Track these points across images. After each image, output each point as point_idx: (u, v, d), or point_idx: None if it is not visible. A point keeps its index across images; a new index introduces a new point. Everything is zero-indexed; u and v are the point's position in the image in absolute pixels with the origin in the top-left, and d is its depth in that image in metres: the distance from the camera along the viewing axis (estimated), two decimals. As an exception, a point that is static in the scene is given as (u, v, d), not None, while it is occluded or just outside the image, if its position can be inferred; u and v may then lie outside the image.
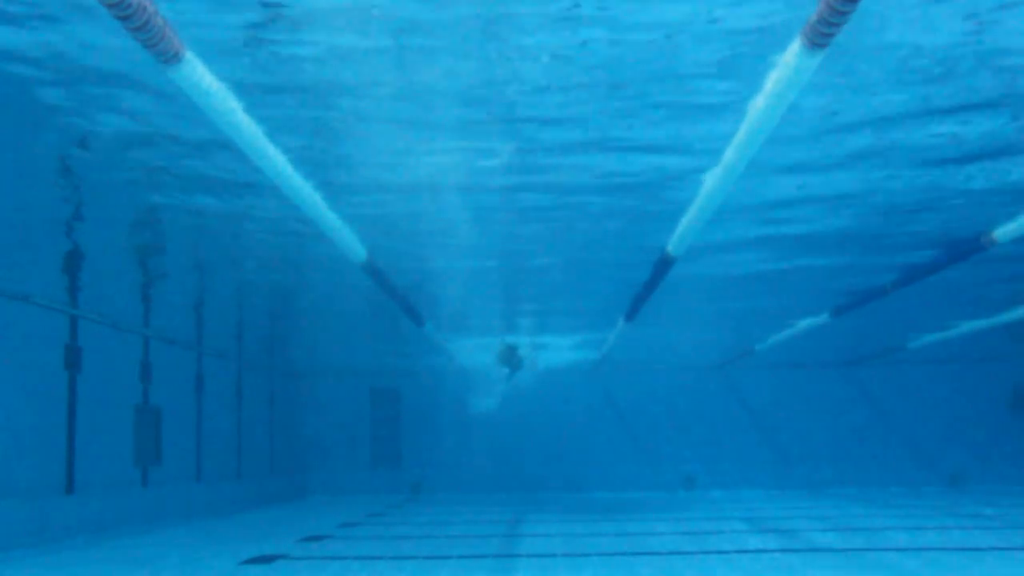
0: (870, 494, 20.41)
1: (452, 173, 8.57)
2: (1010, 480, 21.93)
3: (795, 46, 5.00)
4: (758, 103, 5.76)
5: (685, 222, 9.13)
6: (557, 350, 21.28)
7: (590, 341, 19.97)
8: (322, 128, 7.34)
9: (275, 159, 7.24)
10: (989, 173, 9.31)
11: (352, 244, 10.33)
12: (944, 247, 12.58)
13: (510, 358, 19.81)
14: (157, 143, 7.66)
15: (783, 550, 10.43)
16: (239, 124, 6.35)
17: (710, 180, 7.50)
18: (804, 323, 17.48)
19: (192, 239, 11.75)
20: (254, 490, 20.24)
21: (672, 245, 10.17)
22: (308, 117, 7.12)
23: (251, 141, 6.73)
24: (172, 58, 5.13)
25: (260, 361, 21.75)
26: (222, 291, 15.49)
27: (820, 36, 4.77)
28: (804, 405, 23.88)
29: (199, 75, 5.48)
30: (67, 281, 12.86)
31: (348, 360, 22.69)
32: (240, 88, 6.37)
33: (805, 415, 23.87)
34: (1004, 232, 11.14)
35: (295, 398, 24.00)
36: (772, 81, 5.46)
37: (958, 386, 23.40)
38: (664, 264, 11.18)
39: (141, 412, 15.51)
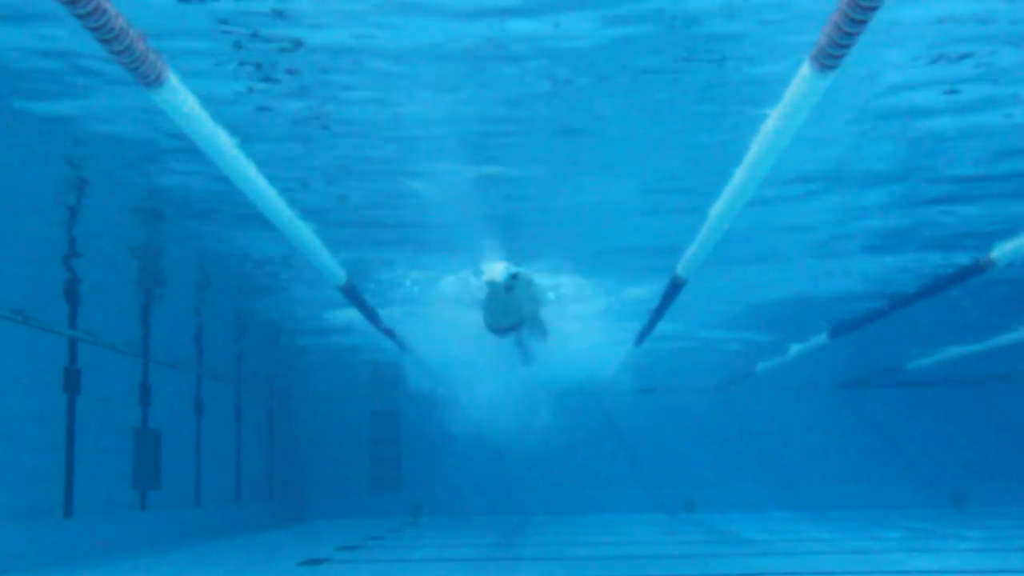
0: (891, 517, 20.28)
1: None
2: (1012, 500, 21.90)
3: (805, 69, 5.05)
4: (768, 125, 5.81)
5: (695, 245, 9.18)
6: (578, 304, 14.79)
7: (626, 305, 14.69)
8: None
9: (257, 182, 7.27)
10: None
11: (332, 267, 10.43)
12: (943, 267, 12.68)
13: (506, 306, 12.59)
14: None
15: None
16: (221, 148, 6.38)
17: (719, 203, 7.55)
18: (804, 345, 17.54)
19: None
20: (253, 513, 20.17)
21: (682, 268, 10.21)
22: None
23: (233, 165, 6.76)
24: (154, 81, 5.17)
25: (259, 384, 21.73)
26: (221, 315, 15.59)
27: (829, 58, 4.82)
28: (805, 427, 23.87)
29: (181, 98, 5.52)
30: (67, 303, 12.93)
31: (347, 383, 22.67)
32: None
33: (806, 437, 23.86)
34: (1001, 254, 11.19)
35: (294, 421, 23.95)
36: (782, 103, 5.51)
37: (958, 407, 23.41)
38: (674, 287, 11.22)
39: (140, 435, 15.47)
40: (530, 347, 14.47)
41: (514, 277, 12.01)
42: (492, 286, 12.09)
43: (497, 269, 12.00)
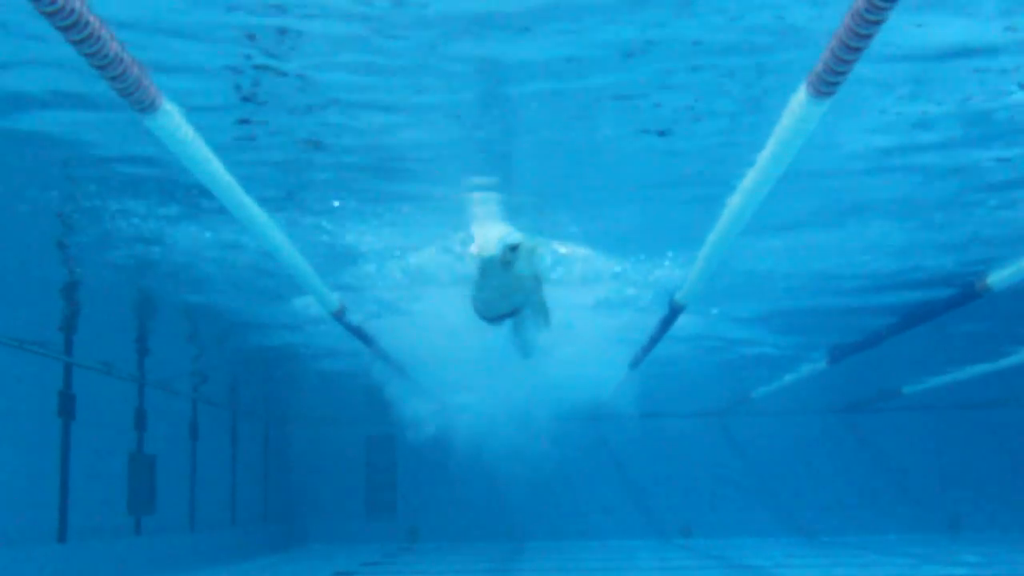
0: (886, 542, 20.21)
1: None
2: (1009, 525, 21.83)
3: (801, 95, 5.06)
4: (765, 151, 5.83)
5: (693, 271, 9.18)
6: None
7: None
8: None
9: (250, 208, 7.25)
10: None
11: (324, 293, 10.44)
12: (939, 293, 12.67)
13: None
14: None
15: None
16: (215, 173, 6.39)
17: (716, 229, 7.55)
18: (801, 369, 17.52)
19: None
20: (248, 538, 20.06)
21: (680, 294, 10.22)
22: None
23: (227, 191, 6.75)
24: (148, 107, 5.16)
25: (255, 408, 21.66)
26: (217, 342, 15.58)
27: (825, 84, 4.82)
28: (801, 451, 23.79)
29: (175, 124, 5.52)
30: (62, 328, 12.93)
31: (343, 408, 22.60)
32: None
33: (802, 461, 23.78)
34: (998, 278, 11.20)
35: (290, 445, 23.87)
36: (779, 129, 5.52)
37: (956, 431, 23.36)
38: (672, 313, 11.21)
39: (135, 460, 15.41)
40: (530, 336, 11.42)
41: (514, 248, 9.22)
42: (486, 259, 9.28)
43: (492, 236, 9.19)
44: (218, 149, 6.28)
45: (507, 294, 9.95)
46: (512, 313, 10.44)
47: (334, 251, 10.23)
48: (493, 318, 10.53)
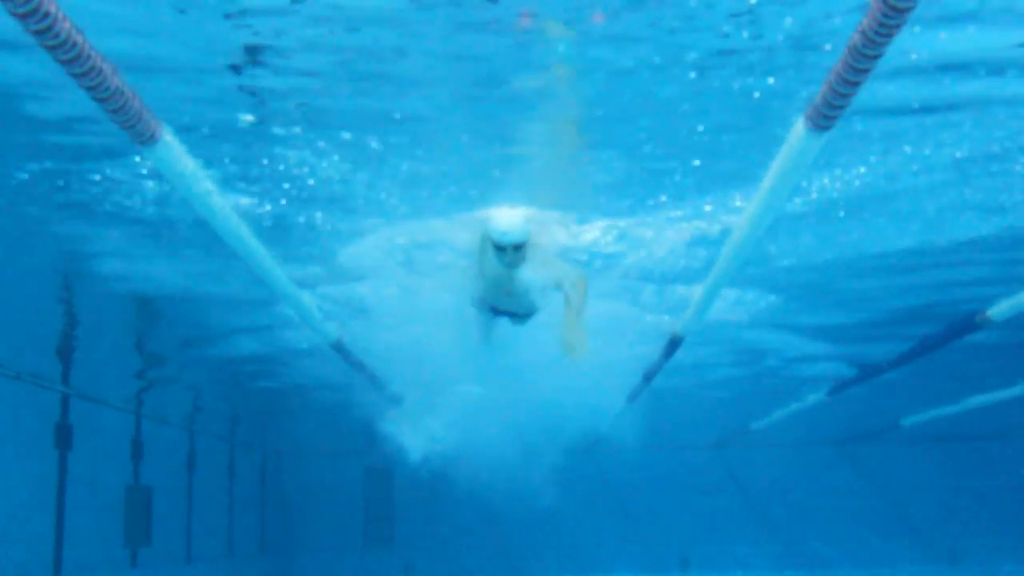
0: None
1: None
2: (1008, 557, 21.74)
3: (799, 128, 5.06)
4: (764, 184, 5.83)
5: (694, 303, 9.18)
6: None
7: None
8: None
9: (249, 242, 7.25)
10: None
11: (323, 326, 10.45)
12: (939, 325, 12.68)
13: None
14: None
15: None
16: (214, 206, 6.39)
17: (718, 263, 7.54)
18: (800, 402, 17.49)
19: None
20: (245, 570, 19.96)
21: (681, 326, 10.22)
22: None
23: (225, 224, 6.75)
24: (149, 140, 5.16)
25: (252, 439, 21.59)
26: (215, 375, 15.57)
27: (823, 119, 4.83)
28: (800, 484, 23.71)
29: (175, 157, 5.52)
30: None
31: (341, 439, 22.53)
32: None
33: (802, 494, 23.69)
34: (999, 311, 11.19)
35: (287, 477, 23.78)
36: (778, 162, 5.53)
37: (955, 464, 23.29)
38: (673, 344, 11.21)
39: (132, 492, 15.32)
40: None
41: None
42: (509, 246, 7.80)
43: (515, 219, 7.84)
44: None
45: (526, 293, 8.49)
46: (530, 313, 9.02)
47: None
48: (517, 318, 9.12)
